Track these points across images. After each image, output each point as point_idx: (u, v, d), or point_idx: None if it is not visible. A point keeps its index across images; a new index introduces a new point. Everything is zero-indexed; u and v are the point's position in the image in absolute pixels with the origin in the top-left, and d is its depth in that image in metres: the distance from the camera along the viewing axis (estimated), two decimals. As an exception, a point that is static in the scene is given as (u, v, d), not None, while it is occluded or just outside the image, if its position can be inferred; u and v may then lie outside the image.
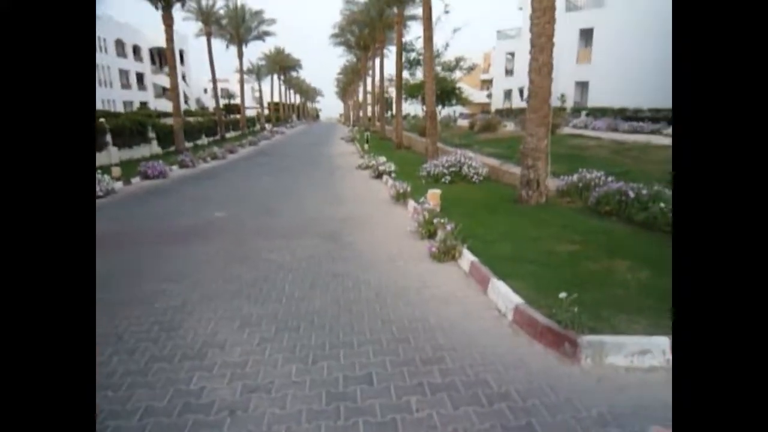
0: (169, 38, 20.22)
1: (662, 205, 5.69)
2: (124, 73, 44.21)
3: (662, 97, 22.28)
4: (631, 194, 6.24)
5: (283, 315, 3.78)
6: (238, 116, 37.85)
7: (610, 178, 7.28)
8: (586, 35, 28.59)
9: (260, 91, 54.98)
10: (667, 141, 12.60)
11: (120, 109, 38.38)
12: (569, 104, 28.53)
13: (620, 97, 24.07)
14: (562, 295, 3.29)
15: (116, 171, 11.94)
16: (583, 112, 24.27)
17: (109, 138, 16.01)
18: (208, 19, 28.22)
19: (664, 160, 9.87)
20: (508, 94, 38.08)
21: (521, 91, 31.65)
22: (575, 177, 7.69)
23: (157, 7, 19.93)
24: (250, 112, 47.32)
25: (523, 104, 8.89)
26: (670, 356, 2.93)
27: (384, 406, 2.57)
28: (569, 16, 28.71)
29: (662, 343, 2.94)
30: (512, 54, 37.97)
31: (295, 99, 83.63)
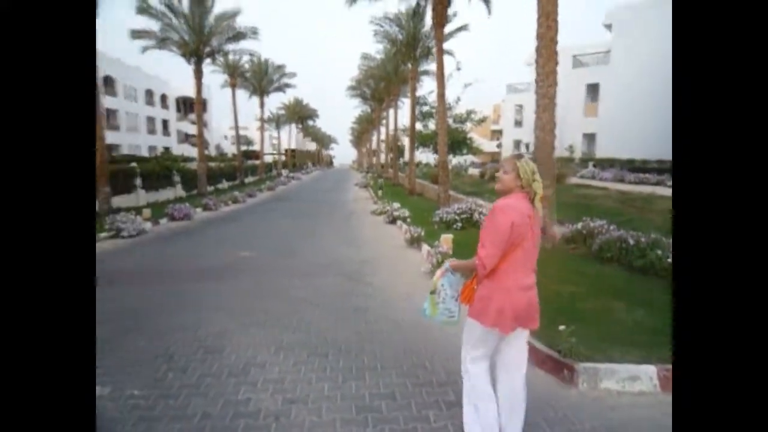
0: (198, 90, 21.73)
1: (659, 252, 6.14)
2: (150, 120, 46.57)
3: (668, 149, 23.00)
4: (631, 242, 6.70)
5: (313, 343, 4.24)
6: (256, 162, 39.34)
7: (612, 227, 7.75)
8: (593, 90, 29.85)
9: (278, 138, 57.15)
10: (670, 192, 13.13)
11: (145, 153, 40.19)
12: (577, 155, 29.34)
13: (627, 148, 24.87)
14: (562, 327, 3.74)
15: (146, 212, 12.72)
16: (591, 163, 24.97)
17: (138, 181, 16.98)
18: (234, 72, 30.10)
19: (665, 209, 10.35)
20: (517, 144, 39.21)
21: (527, 146, 32.72)
22: (580, 225, 8.17)
23: (189, 62, 21.54)
24: (268, 158, 49.04)
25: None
26: (657, 382, 3.33)
27: (406, 417, 2.99)
28: (576, 72, 30.17)
29: (650, 371, 3.35)
30: (521, 106, 39.50)
31: (311, 146, 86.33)
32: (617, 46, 27.80)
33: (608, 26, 29.12)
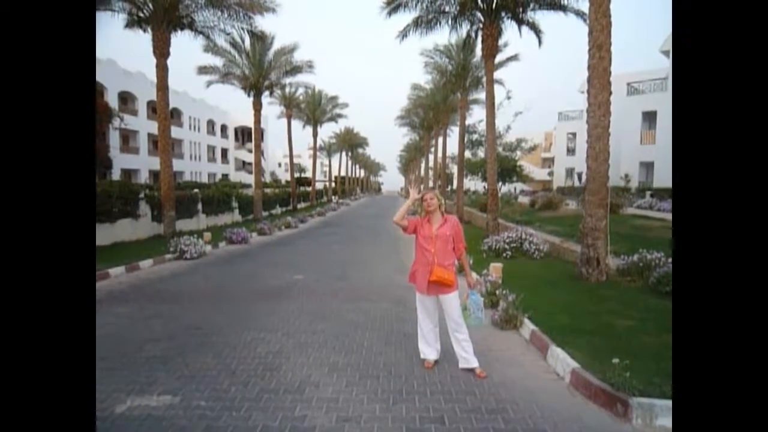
0: (257, 120, 22.98)
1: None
2: (211, 149, 49.46)
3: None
4: (692, 275, 6.42)
5: (365, 365, 4.39)
6: (308, 189, 40.67)
7: (670, 259, 7.46)
8: (649, 117, 28.83)
9: (329, 165, 58.94)
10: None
11: (204, 179, 42.63)
12: (634, 184, 28.23)
13: (688, 177, 23.64)
14: (615, 360, 3.69)
15: (207, 236, 13.47)
16: (648, 193, 23.94)
17: (200, 206, 18.06)
18: (289, 104, 31.65)
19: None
20: (569, 172, 38.27)
21: (579, 176, 31.88)
22: (635, 257, 7.92)
23: (248, 95, 22.93)
24: (319, 185, 50.59)
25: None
26: (718, 422, 3.21)
27: (455, 442, 3.06)
28: (631, 100, 29.33)
29: (710, 410, 3.24)
30: (573, 134, 38.67)
31: (360, 173, 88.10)
32: (676, 72, 26.87)
33: (665, 52, 28.29)
